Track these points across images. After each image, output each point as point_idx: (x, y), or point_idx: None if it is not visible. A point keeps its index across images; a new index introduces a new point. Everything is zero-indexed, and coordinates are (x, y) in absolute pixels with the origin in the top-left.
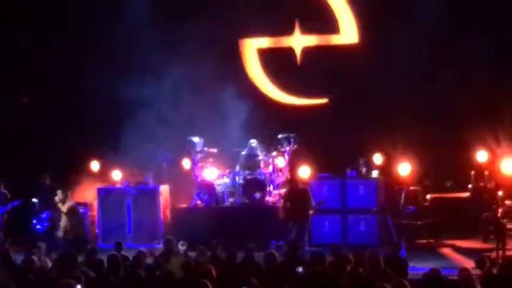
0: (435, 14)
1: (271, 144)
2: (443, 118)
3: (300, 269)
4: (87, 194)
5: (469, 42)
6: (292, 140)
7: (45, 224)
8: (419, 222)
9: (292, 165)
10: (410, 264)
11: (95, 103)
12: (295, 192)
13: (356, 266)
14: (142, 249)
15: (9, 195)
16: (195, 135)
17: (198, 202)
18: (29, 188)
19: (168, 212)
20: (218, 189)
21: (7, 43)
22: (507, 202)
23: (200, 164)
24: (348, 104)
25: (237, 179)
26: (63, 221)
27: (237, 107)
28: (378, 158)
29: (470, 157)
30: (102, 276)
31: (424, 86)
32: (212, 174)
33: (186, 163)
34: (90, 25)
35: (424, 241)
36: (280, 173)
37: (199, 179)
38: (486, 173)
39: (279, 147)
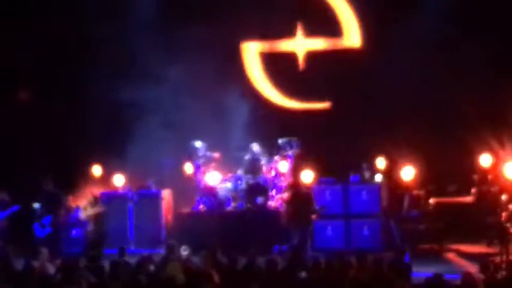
0: (438, 18)
1: (273, 148)
2: (447, 122)
3: (303, 274)
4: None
5: (472, 46)
6: (294, 144)
7: (47, 230)
8: (422, 227)
9: (294, 170)
10: (414, 269)
11: (97, 107)
12: (298, 196)
13: (359, 271)
14: (145, 254)
15: (9, 201)
16: (197, 139)
17: (201, 207)
18: (30, 193)
19: (170, 217)
20: (220, 193)
21: (7, 43)
22: (511, 206)
23: (202, 169)
24: (350, 108)
25: (239, 183)
26: (89, 225)
27: (239, 111)
28: (381, 163)
29: (473, 161)
30: (103, 281)
31: (427, 90)
32: (214, 178)
33: (188, 168)
34: (91, 27)
35: (428, 246)
36: (282, 178)
37: (201, 184)
38: (490, 177)
39: (281, 151)
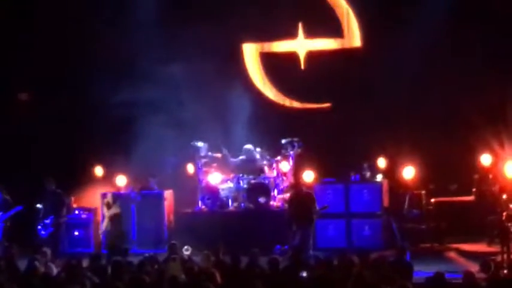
0: (439, 18)
1: (273, 149)
2: (448, 122)
3: (305, 274)
4: (92, 199)
5: (474, 46)
6: (296, 144)
7: (50, 230)
8: (423, 226)
9: (296, 170)
10: (415, 268)
11: (100, 108)
12: (300, 196)
13: (361, 270)
14: (147, 254)
15: (11, 201)
16: (199, 140)
17: (203, 207)
18: (33, 193)
19: (172, 217)
20: (222, 193)
21: (6, 43)
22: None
23: (204, 169)
24: (351, 108)
25: (241, 183)
26: (106, 225)
27: (240, 111)
28: (382, 162)
29: (474, 161)
30: (106, 281)
31: (428, 90)
32: (216, 179)
33: (191, 168)
34: (93, 27)
35: (429, 245)
36: (284, 178)
37: (203, 184)
38: (490, 176)
39: (283, 151)
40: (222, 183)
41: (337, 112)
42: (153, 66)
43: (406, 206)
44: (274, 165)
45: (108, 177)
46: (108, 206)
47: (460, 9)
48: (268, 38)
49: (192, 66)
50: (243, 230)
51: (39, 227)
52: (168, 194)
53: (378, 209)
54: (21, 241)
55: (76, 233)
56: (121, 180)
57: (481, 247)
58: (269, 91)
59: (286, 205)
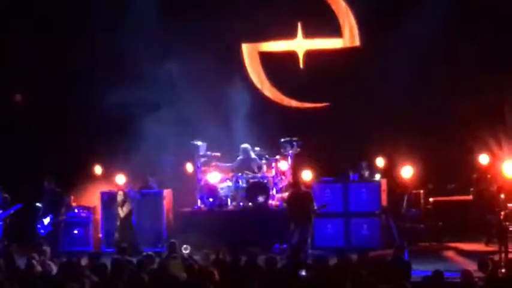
0: (436, 19)
1: (272, 148)
2: (446, 121)
3: (303, 273)
4: (91, 198)
5: (471, 46)
6: (295, 143)
7: (49, 228)
8: (422, 225)
9: (295, 169)
10: (413, 267)
11: (98, 106)
12: (298, 195)
13: (359, 269)
14: (145, 253)
15: (10, 199)
16: (198, 139)
17: (202, 206)
18: (32, 191)
19: (171, 216)
20: (221, 192)
21: (7, 44)
22: (509, 205)
23: (203, 168)
24: (350, 107)
25: (240, 182)
26: (119, 225)
27: (240, 111)
28: (380, 161)
29: (472, 160)
30: (105, 280)
31: (426, 90)
32: (215, 178)
33: (189, 167)
34: (91, 28)
35: (427, 244)
36: (283, 177)
37: (202, 183)
38: (488, 176)
39: (281, 150)
40: (220, 182)
41: (335, 111)
42: (152, 66)
43: (404, 205)
44: (273, 164)
45: (108, 176)
46: (122, 204)
47: (458, 10)
48: (267, 38)
49: (191, 65)
50: (242, 229)
51: (38, 225)
52: (167, 193)
53: (377, 208)
54: (20, 239)
55: (75, 232)
56: (120, 179)
57: (479, 246)
58: (268, 90)
59: (284, 204)
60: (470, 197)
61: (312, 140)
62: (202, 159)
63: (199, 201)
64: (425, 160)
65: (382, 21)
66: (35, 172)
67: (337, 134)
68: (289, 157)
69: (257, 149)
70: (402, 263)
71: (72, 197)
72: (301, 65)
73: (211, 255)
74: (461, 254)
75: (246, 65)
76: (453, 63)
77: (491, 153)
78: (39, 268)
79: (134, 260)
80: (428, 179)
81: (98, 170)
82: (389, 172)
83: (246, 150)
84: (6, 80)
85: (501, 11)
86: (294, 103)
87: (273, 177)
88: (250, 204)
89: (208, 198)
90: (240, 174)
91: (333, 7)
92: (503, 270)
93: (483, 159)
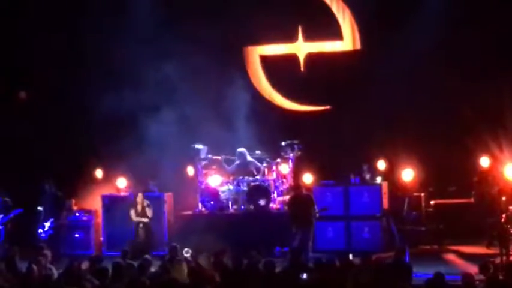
0: (437, 21)
1: (274, 151)
2: (447, 124)
3: (304, 276)
4: (92, 201)
5: (472, 49)
6: (296, 146)
7: (50, 232)
8: (423, 228)
9: (296, 172)
10: (414, 270)
11: (99, 110)
12: (299, 198)
13: (360, 272)
14: (147, 256)
15: (11, 203)
16: (199, 142)
17: (203, 209)
18: (33, 195)
19: (172, 219)
20: (222, 196)
21: (5, 41)
22: (511, 208)
23: (204, 171)
24: (351, 110)
25: (241, 186)
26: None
27: (241, 114)
28: (381, 164)
29: (473, 163)
30: (106, 284)
31: (427, 93)
32: (216, 181)
33: (191, 170)
34: (93, 31)
35: (428, 247)
36: (284, 180)
37: (203, 186)
38: (489, 178)
39: (282, 154)
40: (222, 186)
41: (336, 114)
42: (154, 69)
43: (405, 208)
44: (274, 167)
45: (109, 180)
46: (147, 206)
47: (459, 13)
48: (268, 41)
49: (193, 69)
50: (243, 232)
51: (39, 229)
52: (168, 196)
53: (378, 211)
54: (21, 243)
55: (76, 235)
56: (121, 183)
57: (480, 249)
58: (269, 94)
59: (285, 207)
60: (471, 200)
61: (313, 143)
62: (203, 163)
63: (200, 205)
64: (426, 163)
65: (382, 24)
66: (36, 176)
67: (338, 137)
68: (290, 160)
69: (258, 152)
70: (403, 265)
71: (73, 201)
72: (301, 68)
73: (212, 258)
74: (462, 257)
75: (247, 68)
76: (454, 67)
77: (492, 156)
78: (42, 272)
79: (135, 263)
80: (429, 182)
81: (98, 173)
82: (390, 175)
83: (242, 154)
84: (7, 80)
85: (502, 14)
86: (294, 106)
87: (274, 180)
88: (251, 207)
89: (209, 202)
90: (240, 177)
91: (333, 10)
92: (504, 273)
93: (484, 162)
